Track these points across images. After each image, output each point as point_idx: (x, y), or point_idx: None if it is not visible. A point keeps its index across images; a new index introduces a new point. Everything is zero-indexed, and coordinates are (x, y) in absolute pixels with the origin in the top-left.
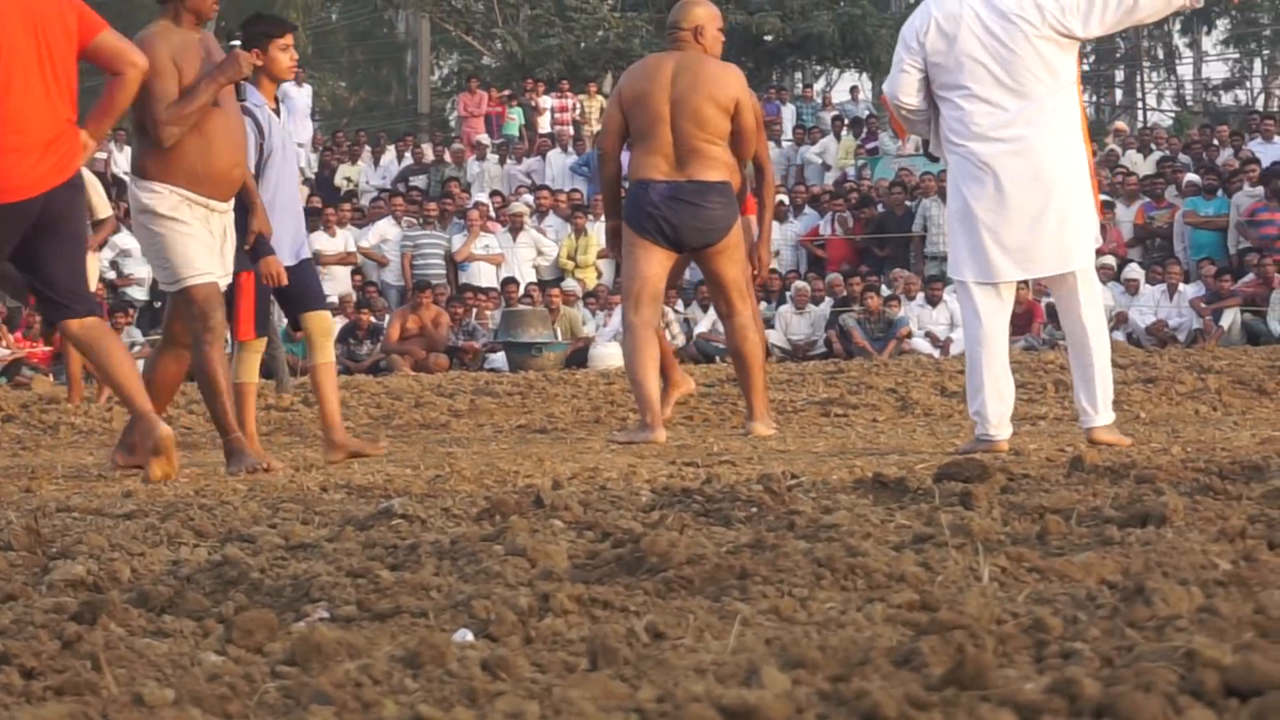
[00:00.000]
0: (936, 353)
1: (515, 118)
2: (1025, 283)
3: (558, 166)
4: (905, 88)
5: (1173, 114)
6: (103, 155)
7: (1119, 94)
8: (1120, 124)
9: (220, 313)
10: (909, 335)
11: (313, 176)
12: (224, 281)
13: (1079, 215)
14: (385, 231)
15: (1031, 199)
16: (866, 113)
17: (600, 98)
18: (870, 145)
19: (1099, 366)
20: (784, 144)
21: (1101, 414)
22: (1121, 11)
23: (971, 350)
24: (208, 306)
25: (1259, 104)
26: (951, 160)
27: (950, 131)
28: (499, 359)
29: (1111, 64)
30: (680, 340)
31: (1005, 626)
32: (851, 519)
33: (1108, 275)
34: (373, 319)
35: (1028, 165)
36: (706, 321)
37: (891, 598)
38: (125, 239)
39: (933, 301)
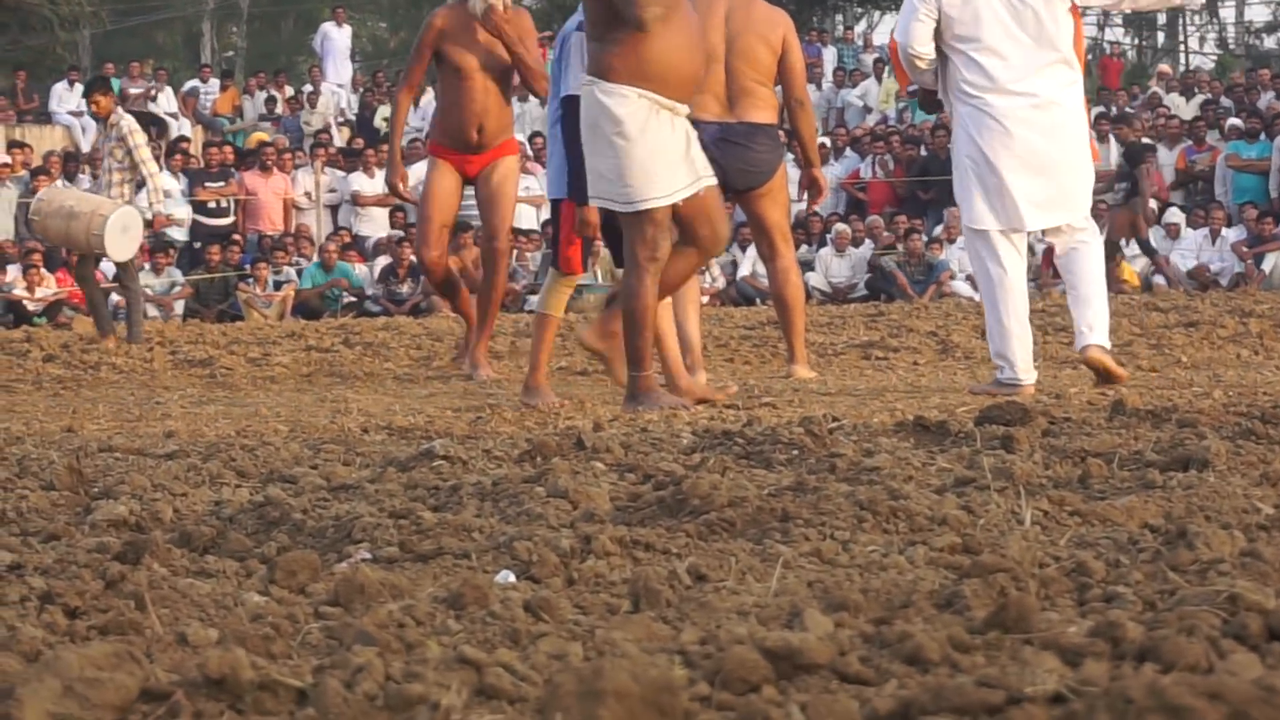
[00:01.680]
0: (977, 296)
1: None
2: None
3: None
4: (920, 37)
5: (1215, 57)
6: (139, 90)
7: (1161, 37)
8: (1164, 67)
9: (668, 243)
10: (951, 278)
11: (353, 118)
12: (705, 183)
13: (1086, 166)
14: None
15: (1050, 149)
16: None
17: None
18: (911, 88)
19: (1100, 296)
20: (824, 86)
21: (1097, 333)
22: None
23: (996, 297)
24: (660, 233)
25: None
26: (963, 111)
27: (964, 83)
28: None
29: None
30: (721, 283)
31: (1047, 570)
32: (893, 462)
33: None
34: (413, 259)
35: (1045, 117)
36: (747, 264)
37: (934, 541)
38: (166, 180)
39: None
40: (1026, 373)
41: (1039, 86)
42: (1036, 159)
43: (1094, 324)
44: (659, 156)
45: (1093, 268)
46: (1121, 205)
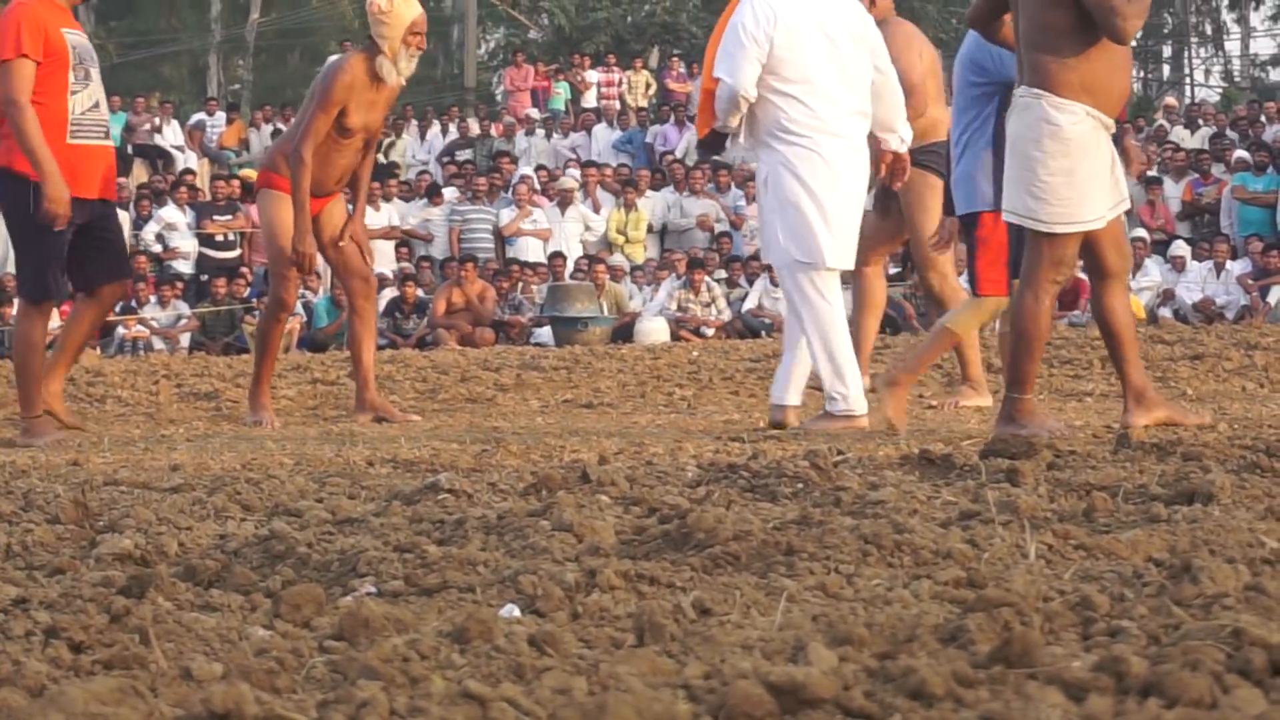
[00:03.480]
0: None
1: (561, 92)
2: None
3: (603, 141)
4: (751, 79)
5: (1220, 90)
6: (147, 128)
7: (1166, 70)
8: (1170, 100)
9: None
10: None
11: None
12: (1124, 206)
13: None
14: (431, 207)
15: (859, 193)
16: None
17: (646, 73)
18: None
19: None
20: None
21: (791, 396)
22: (878, 89)
23: (826, 331)
24: (1072, 256)
25: None
26: (785, 152)
27: (789, 124)
28: (545, 333)
29: (1159, 39)
30: (727, 315)
31: (1052, 604)
32: (898, 495)
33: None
34: (419, 293)
35: (859, 161)
36: (754, 296)
37: (938, 574)
38: (170, 212)
39: None
40: (860, 403)
41: (852, 130)
42: (853, 201)
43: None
44: (1096, 179)
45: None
46: None
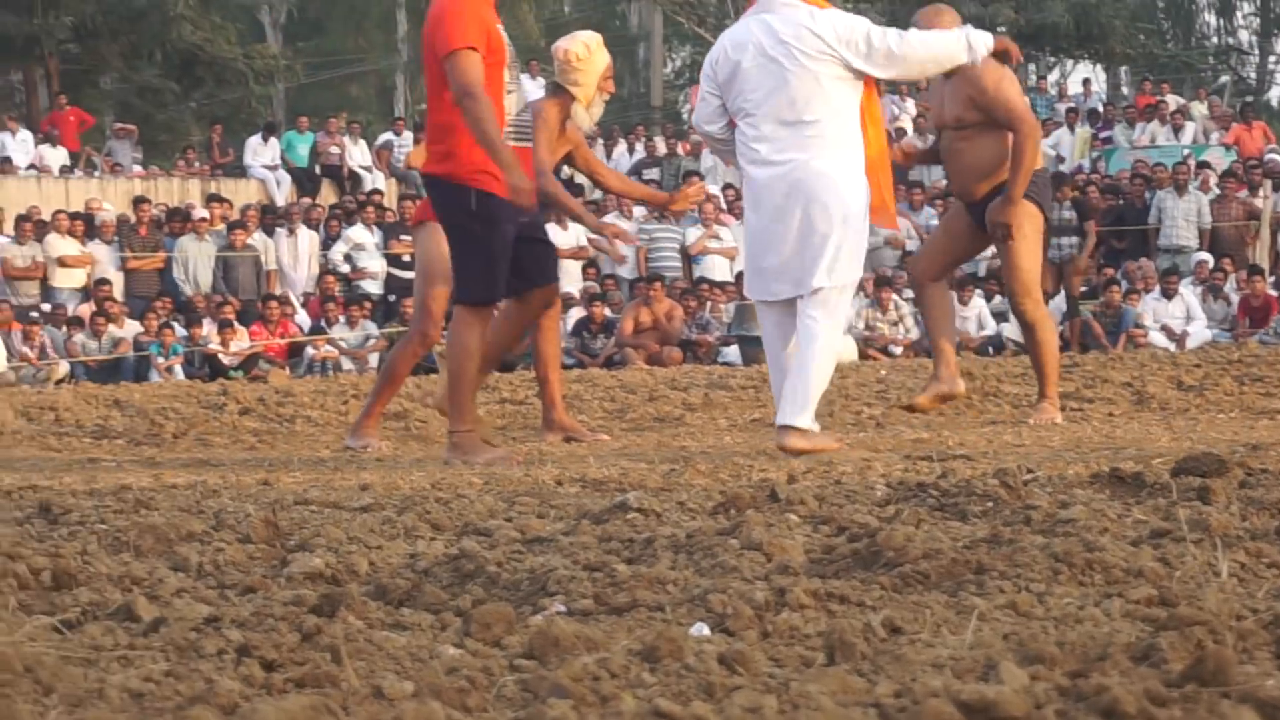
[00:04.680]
0: (1172, 346)
1: None
2: (1262, 275)
3: None
4: (704, 115)
5: None
6: (336, 149)
7: None
8: None
9: None
10: (1144, 333)
11: None
12: None
13: (840, 243)
14: (617, 225)
15: (791, 222)
16: (1101, 104)
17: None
18: (1105, 135)
19: (802, 377)
20: None
21: (788, 416)
22: (894, 68)
23: (768, 360)
24: None
25: None
26: (744, 182)
27: (739, 154)
28: (732, 352)
29: None
30: (915, 334)
31: (1245, 623)
32: (1088, 514)
33: None
34: (607, 312)
35: (794, 189)
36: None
37: (1130, 593)
38: (359, 232)
39: (1168, 294)
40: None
41: (796, 158)
42: (775, 232)
43: (798, 403)
44: None
45: (807, 349)
46: (1070, 259)
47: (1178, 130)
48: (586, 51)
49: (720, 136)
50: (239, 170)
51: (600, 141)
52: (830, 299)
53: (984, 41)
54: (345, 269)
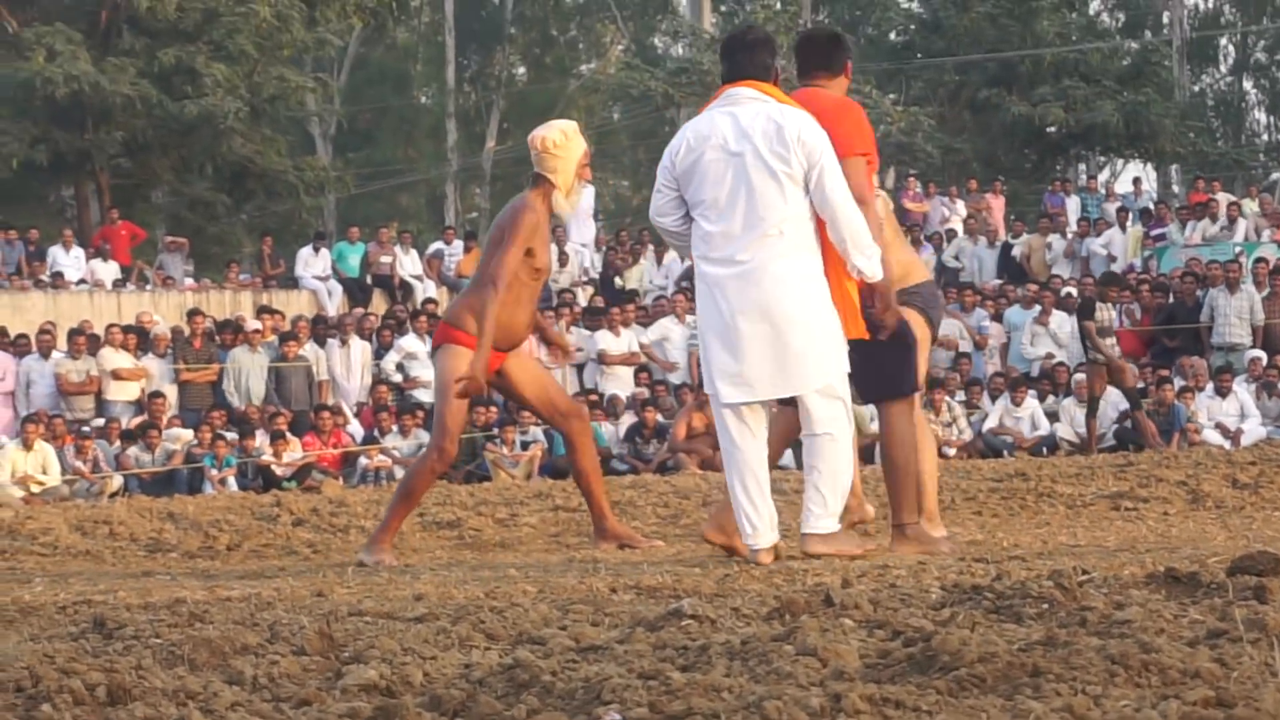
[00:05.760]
0: (1227, 444)
1: None
2: None
3: None
4: (660, 207)
5: None
6: (388, 259)
7: None
8: None
9: None
10: (1197, 431)
11: (596, 276)
12: None
13: (812, 343)
14: (668, 330)
15: (749, 324)
16: (1152, 203)
17: (884, 193)
18: (1156, 233)
19: (828, 484)
20: (1069, 235)
21: (817, 521)
22: (822, 209)
23: (728, 465)
24: None
25: None
26: (697, 276)
27: (694, 249)
28: (787, 457)
29: None
30: (968, 435)
31: None
32: (1144, 615)
33: None
34: (659, 417)
35: (750, 288)
36: (995, 416)
37: (1186, 695)
38: (411, 341)
39: (1222, 392)
40: (754, 539)
41: (754, 256)
42: (734, 332)
43: (826, 506)
44: None
45: (828, 449)
46: (1089, 363)
47: (1231, 224)
48: (564, 138)
49: (676, 229)
50: (290, 281)
51: (651, 247)
52: (835, 393)
53: (876, 270)
54: (398, 378)
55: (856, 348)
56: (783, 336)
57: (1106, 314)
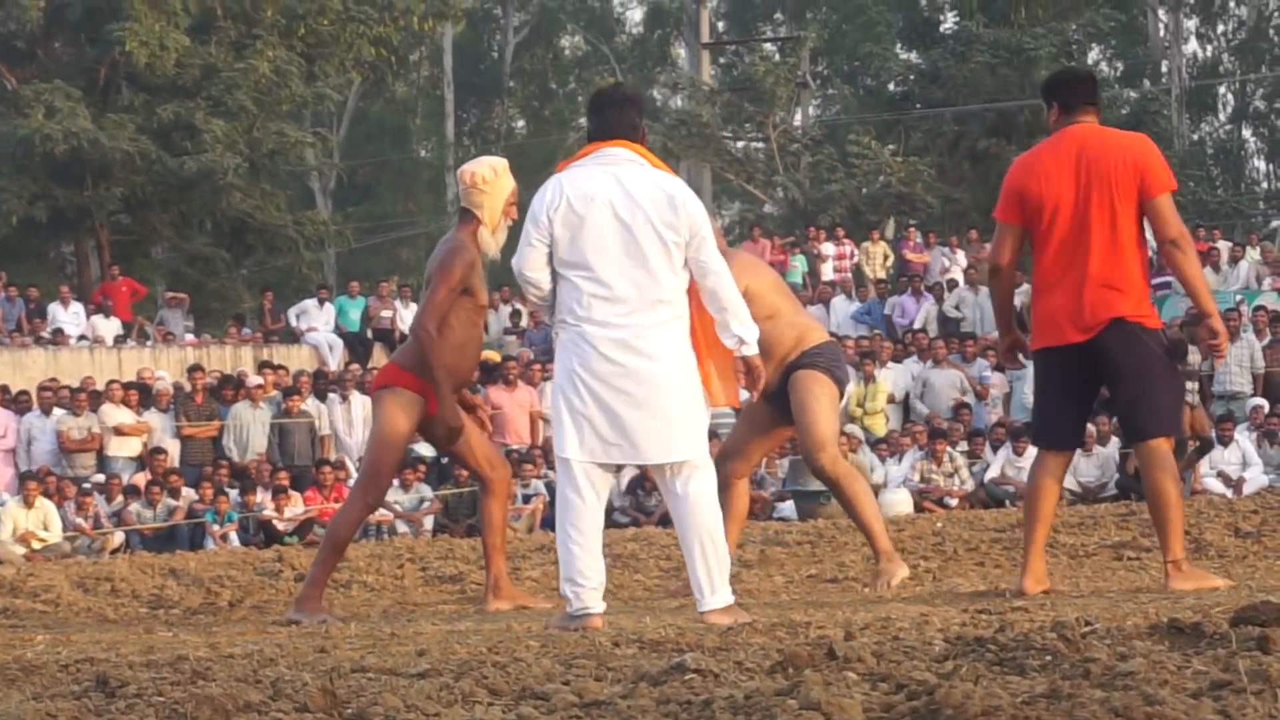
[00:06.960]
0: (1229, 492)
1: (798, 265)
2: None
3: (841, 313)
4: (532, 263)
5: None
6: (389, 313)
7: None
8: None
9: None
10: (1199, 480)
11: None
12: None
13: (688, 411)
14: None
15: (631, 388)
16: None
17: (884, 244)
18: (1158, 281)
19: (709, 550)
20: None
21: (718, 594)
22: (702, 280)
23: (567, 529)
24: None
25: None
26: (564, 336)
27: (565, 309)
28: (788, 508)
29: None
30: (970, 485)
31: None
32: (1148, 666)
33: None
34: None
35: (633, 357)
36: (996, 465)
37: None
38: None
39: (1224, 441)
40: (595, 602)
41: (639, 321)
42: (611, 392)
43: (714, 583)
44: None
45: (708, 521)
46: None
47: (1235, 264)
48: (493, 174)
49: (546, 287)
50: (291, 336)
51: None
52: (706, 464)
53: (754, 340)
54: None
55: (1132, 387)
56: (663, 403)
57: (1194, 357)
